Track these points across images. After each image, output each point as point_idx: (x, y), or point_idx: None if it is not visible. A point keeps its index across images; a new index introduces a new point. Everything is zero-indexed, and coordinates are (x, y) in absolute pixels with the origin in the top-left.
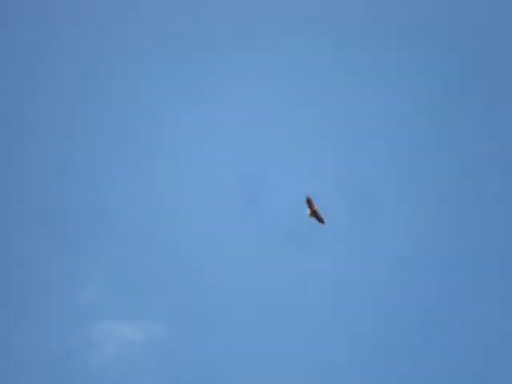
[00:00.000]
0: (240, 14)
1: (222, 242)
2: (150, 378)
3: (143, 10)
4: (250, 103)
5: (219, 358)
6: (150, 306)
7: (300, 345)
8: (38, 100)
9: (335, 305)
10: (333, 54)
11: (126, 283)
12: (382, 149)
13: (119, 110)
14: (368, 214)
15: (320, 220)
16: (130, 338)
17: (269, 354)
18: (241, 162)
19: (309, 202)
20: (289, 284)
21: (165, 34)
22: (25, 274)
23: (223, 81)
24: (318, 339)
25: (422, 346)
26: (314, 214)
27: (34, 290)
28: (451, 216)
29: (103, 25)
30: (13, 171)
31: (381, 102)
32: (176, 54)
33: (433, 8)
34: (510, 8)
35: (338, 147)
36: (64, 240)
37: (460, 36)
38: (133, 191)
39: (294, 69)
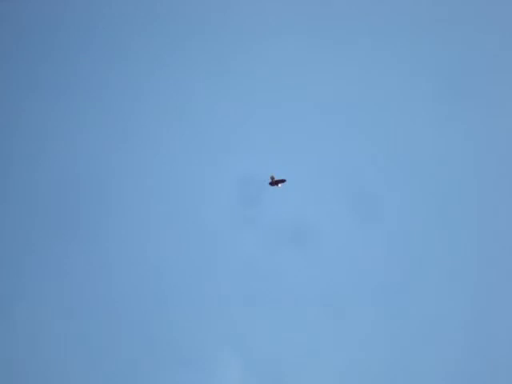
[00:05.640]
0: (233, 13)
1: (222, 243)
2: None
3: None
4: (250, 104)
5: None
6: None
7: (298, 346)
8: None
9: (335, 305)
10: (330, 53)
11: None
12: (382, 149)
13: (122, 113)
14: (368, 214)
15: (278, 182)
16: None
17: (266, 355)
18: (241, 164)
19: (274, 181)
20: (289, 283)
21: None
22: None
23: (224, 83)
24: (318, 339)
25: (422, 346)
26: (275, 182)
27: None
28: (453, 216)
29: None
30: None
31: (381, 102)
32: (176, 57)
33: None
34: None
35: (337, 148)
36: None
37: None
38: (134, 192)
39: (292, 69)
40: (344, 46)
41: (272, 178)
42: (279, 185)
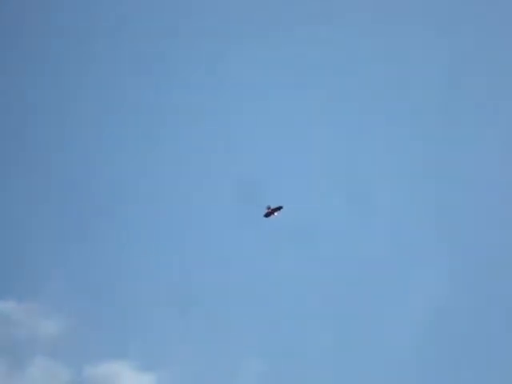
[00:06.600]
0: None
1: (223, 241)
2: None
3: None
4: (251, 105)
5: None
6: None
7: (295, 347)
8: None
9: (335, 303)
10: (333, 51)
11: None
12: (382, 150)
13: (123, 114)
14: (367, 213)
15: (275, 211)
16: None
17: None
18: (241, 164)
19: (272, 210)
20: (288, 281)
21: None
22: None
23: (225, 84)
24: (317, 338)
25: (421, 344)
26: (272, 211)
27: None
28: (451, 216)
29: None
30: None
31: (380, 103)
32: (178, 58)
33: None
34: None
35: (337, 148)
36: None
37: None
38: (136, 192)
39: (291, 69)
40: (344, 47)
41: (268, 207)
42: (275, 213)
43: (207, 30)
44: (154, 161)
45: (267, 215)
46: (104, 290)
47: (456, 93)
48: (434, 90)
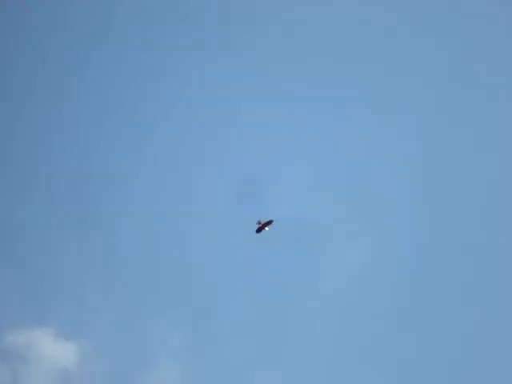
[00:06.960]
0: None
1: (224, 240)
2: None
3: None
4: (252, 105)
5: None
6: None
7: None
8: None
9: (335, 302)
10: (332, 56)
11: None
12: (382, 150)
13: (124, 113)
14: (368, 214)
15: (265, 225)
16: None
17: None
18: (242, 164)
19: (263, 225)
20: (288, 281)
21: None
22: None
23: (226, 82)
24: (317, 338)
25: (420, 344)
26: (263, 226)
27: None
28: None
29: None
30: None
31: (380, 103)
32: (179, 56)
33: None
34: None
35: (338, 149)
36: None
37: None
38: (136, 191)
39: (295, 71)
40: (345, 48)
41: (259, 222)
42: (266, 228)
43: (210, 25)
44: (154, 160)
45: (258, 230)
46: (27, 257)
47: (455, 94)
48: (435, 91)
